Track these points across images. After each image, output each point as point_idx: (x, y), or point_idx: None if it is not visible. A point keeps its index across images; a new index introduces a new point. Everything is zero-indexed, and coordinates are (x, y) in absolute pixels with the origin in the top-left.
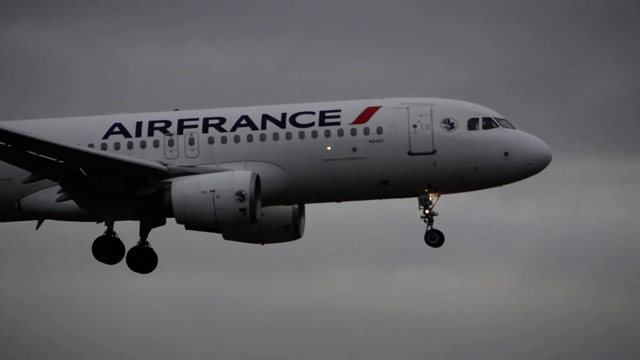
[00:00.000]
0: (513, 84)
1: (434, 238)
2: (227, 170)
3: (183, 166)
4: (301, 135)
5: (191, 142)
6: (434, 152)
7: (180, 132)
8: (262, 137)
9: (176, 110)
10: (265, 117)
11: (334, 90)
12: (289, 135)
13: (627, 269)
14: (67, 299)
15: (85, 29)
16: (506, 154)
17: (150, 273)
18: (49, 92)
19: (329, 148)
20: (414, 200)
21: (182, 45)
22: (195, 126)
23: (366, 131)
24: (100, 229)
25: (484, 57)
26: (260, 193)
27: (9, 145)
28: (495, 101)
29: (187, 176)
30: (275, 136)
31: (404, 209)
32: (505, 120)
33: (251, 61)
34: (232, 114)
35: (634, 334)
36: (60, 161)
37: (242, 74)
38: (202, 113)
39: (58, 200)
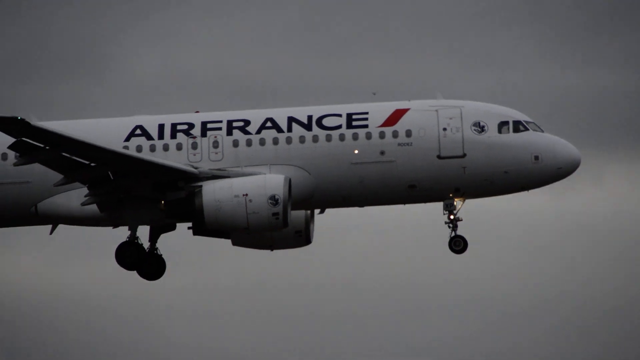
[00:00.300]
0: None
1: (459, 244)
2: (259, 173)
3: (214, 169)
4: (328, 138)
5: (215, 144)
6: (464, 155)
7: (204, 134)
8: (289, 140)
9: (197, 112)
10: (291, 120)
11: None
12: (315, 138)
13: None
14: (75, 301)
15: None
16: (536, 158)
17: (158, 280)
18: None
19: (356, 151)
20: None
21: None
22: (220, 128)
23: (395, 134)
24: (113, 234)
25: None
26: (292, 197)
27: (47, 147)
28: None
29: (219, 179)
30: (302, 139)
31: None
32: (534, 123)
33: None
34: (256, 116)
35: None
36: (93, 164)
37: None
38: (225, 115)
39: (83, 204)
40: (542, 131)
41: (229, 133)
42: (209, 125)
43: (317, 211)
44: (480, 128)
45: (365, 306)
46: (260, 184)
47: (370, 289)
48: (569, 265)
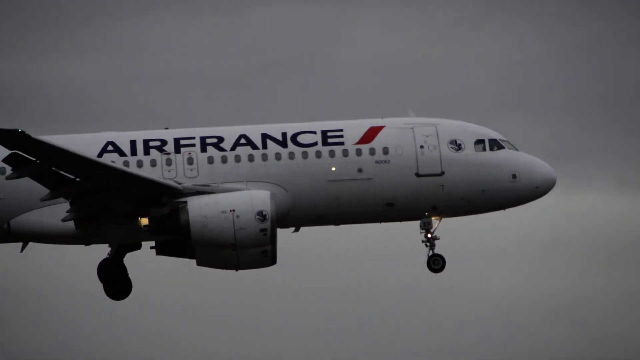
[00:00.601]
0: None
1: (437, 263)
2: (244, 189)
3: (197, 185)
4: (304, 155)
5: (190, 161)
6: (442, 173)
7: (177, 151)
8: (264, 157)
9: (166, 128)
10: (265, 136)
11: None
12: (291, 155)
13: None
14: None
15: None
16: (514, 176)
17: (124, 300)
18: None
19: (333, 169)
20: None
21: None
22: (193, 145)
23: (372, 151)
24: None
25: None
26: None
27: (38, 161)
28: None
29: (203, 195)
30: (278, 156)
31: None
32: (507, 141)
33: None
34: (229, 133)
35: None
36: (78, 179)
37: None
38: (197, 132)
39: (64, 220)
40: (517, 149)
41: (203, 149)
42: (182, 142)
43: (290, 230)
44: (457, 146)
45: (338, 323)
46: (247, 199)
47: (341, 306)
48: (554, 276)
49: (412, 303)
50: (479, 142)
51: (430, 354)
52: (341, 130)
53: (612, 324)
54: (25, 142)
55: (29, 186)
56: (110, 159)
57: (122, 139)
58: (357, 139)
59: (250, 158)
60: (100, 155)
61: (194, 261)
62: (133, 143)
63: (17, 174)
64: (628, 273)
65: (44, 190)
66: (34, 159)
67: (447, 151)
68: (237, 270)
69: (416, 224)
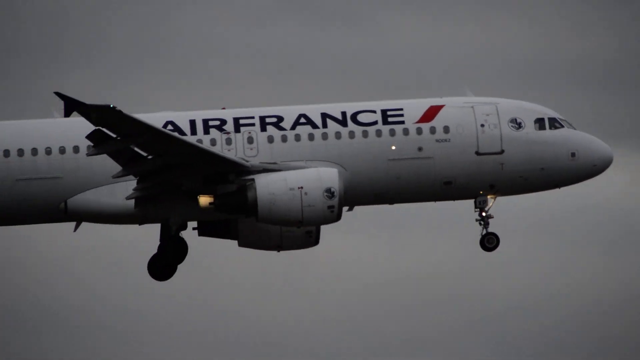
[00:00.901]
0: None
1: (492, 241)
2: (310, 167)
3: (264, 162)
4: (365, 134)
5: (250, 140)
6: (502, 152)
7: (237, 130)
8: (324, 136)
9: (224, 108)
10: (325, 116)
11: None
12: (351, 134)
13: None
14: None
15: None
16: (573, 155)
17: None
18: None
19: (393, 147)
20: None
21: None
22: (253, 124)
23: (432, 130)
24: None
25: None
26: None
27: (119, 138)
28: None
29: (271, 173)
30: (338, 135)
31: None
32: (565, 120)
33: None
34: (288, 112)
35: None
36: (150, 156)
37: None
38: (256, 111)
39: (128, 198)
40: (575, 128)
41: (263, 129)
42: (241, 122)
43: (345, 208)
44: (517, 125)
45: (378, 307)
46: (315, 176)
47: (380, 289)
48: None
49: (464, 282)
50: (539, 120)
51: (484, 331)
52: (401, 109)
53: None
54: (112, 118)
55: (88, 165)
56: None
57: (181, 119)
58: (418, 118)
59: (311, 137)
60: None
61: (235, 242)
62: (192, 123)
63: (99, 150)
64: None
65: (102, 169)
66: (115, 136)
67: (507, 130)
68: (279, 251)
69: (466, 203)
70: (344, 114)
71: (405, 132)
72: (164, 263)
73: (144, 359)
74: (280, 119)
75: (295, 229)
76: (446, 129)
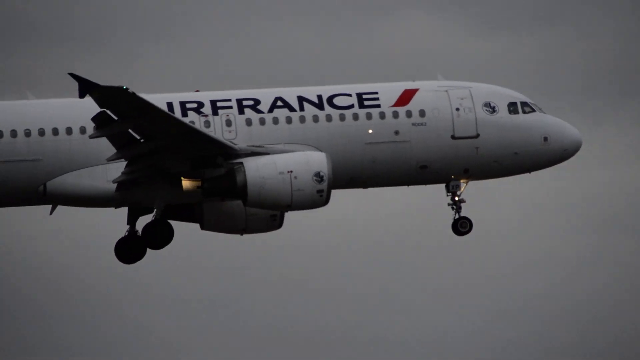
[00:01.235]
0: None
1: (465, 226)
2: (297, 150)
3: (252, 146)
4: (342, 118)
5: (228, 123)
6: (478, 136)
7: (215, 113)
8: (302, 119)
9: (197, 91)
10: (301, 99)
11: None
12: (329, 117)
13: None
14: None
15: None
16: (545, 139)
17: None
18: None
19: (370, 131)
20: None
21: None
22: (230, 107)
23: (408, 114)
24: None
25: None
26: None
27: (120, 120)
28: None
29: (260, 156)
30: (315, 118)
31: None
32: (536, 104)
33: None
34: (264, 95)
35: None
36: (142, 140)
37: None
38: (232, 94)
39: (115, 181)
40: (544, 112)
41: (241, 112)
42: (218, 104)
43: None
44: (491, 109)
45: (343, 289)
46: (304, 160)
47: (346, 272)
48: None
49: (438, 265)
50: (512, 104)
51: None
52: (376, 92)
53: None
54: (118, 100)
55: (67, 147)
56: None
57: (159, 101)
58: (393, 102)
59: (288, 120)
60: None
61: (197, 225)
62: (169, 105)
63: (102, 132)
64: None
65: (81, 152)
66: (117, 118)
67: (482, 114)
68: (242, 234)
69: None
70: (319, 97)
71: (382, 115)
72: (139, 246)
73: (111, 341)
74: (257, 101)
75: (261, 212)
76: (422, 113)
